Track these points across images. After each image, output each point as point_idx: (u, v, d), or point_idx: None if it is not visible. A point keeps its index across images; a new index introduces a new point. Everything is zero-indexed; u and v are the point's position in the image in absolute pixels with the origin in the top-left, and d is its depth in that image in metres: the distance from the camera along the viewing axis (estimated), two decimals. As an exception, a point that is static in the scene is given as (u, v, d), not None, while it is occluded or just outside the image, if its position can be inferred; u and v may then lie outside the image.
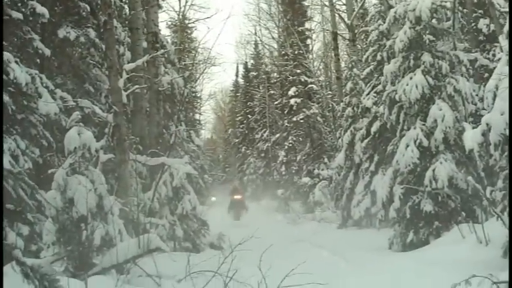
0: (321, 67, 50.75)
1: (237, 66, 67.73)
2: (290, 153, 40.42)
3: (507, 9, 17.48)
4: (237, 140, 61.11)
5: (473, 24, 20.83)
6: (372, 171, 22.32)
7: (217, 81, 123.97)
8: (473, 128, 10.38)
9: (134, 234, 12.45)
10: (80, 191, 9.66)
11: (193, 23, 45.63)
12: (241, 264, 9.06)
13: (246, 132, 57.89)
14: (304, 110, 37.61)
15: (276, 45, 53.59)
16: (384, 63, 19.86)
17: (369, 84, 24.16)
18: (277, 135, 46.11)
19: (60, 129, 14.69)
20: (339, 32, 35.83)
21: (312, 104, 38.74)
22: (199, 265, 10.05)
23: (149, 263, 10.28)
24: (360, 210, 22.41)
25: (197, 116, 56.12)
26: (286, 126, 41.02)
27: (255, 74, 59.02)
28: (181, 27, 44.28)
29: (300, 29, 42.38)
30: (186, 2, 43.39)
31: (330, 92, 43.66)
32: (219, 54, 70.70)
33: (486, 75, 18.42)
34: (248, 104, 58.38)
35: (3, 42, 12.15)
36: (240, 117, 60.89)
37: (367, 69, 24.69)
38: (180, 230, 15.87)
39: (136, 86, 17.13)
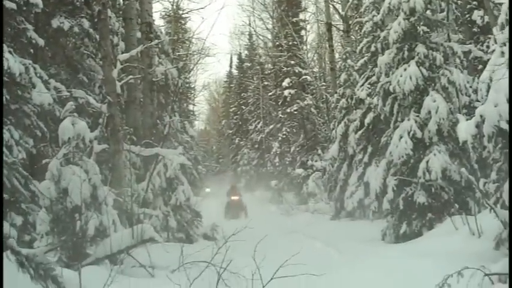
0: (315, 58, 50.68)
1: (231, 57, 67.61)
2: (284, 145, 40.44)
3: (501, 1, 17.47)
4: (230, 131, 61.06)
5: (467, 15, 20.85)
6: (366, 162, 22.37)
7: (211, 72, 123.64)
8: (467, 119, 10.35)
9: (128, 225, 12.46)
10: (74, 181, 9.67)
11: (187, 13, 45.45)
12: (234, 255, 9.05)
13: (240, 123, 57.87)
14: (298, 101, 37.58)
15: (270, 36, 53.44)
16: (378, 55, 19.87)
17: (363, 76, 24.15)
18: (271, 126, 46.09)
19: (54, 119, 14.67)
20: (333, 23, 35.76)
21: (306, 95, 38.70)
22: (192, 256, 10.06)
23: (142, 254, 10.30)
24: (353, 201, 22.47)
25: (191, 107, 56.02)
26: (280, 117, 40.97)
27: (249, 65, 58.93)
28: (175, 18, 44.14)
29: (294, 19, 42.20)
30: (180, -9, 43.31)
31: (323, 83, 43.67)
32: (213, 44, 70.63)
33: (480, 66, 18.46)
34: (242, 95, 58.33)
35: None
36: (233, 108, 60.83)
37: (361, 61, 24.65)
38: (173, 221, 15.90)
39: (131, 77, 17.08)
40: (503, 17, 10.08)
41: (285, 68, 40.28)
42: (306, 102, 37.38)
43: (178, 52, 41.15)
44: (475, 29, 20.89)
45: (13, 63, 11.96)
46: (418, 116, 14.61)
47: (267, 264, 8.38)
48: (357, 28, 35.00)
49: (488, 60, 15.48)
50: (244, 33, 60.04)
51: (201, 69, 64.75)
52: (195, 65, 50.39)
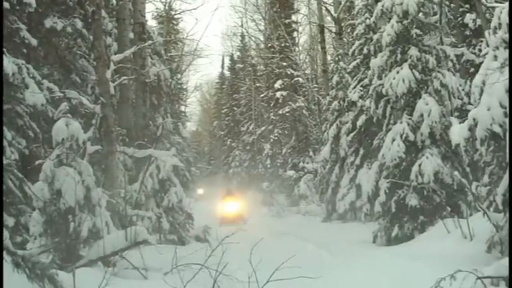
0: (306, 60, 50.72)
1: (223, 58, 67.61)
2: (275, 146, 40.50)
3: (494, 4, 17.55)
4: (222, 133, 61.02)
5: (459, 18, 20.94)
6: (357, 164, 22.42)
7: (203, 73, 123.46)
8: (460, 123, 10.38)
9: (120, 227, 12.43)
10: (67, 182, 9.65)
11: (179, 14, 45.39)
12: (228, 258, 9.05)
13: (232, 124, 57.84)
14: (290, 103, 37.66)
15: (262, 38, 53.46)
16: (370, 57, 19.92)
17: (355, 78, 24.20)
18: (263, 128, 46.09)
19: (46, 120, 14.62)
20: (325, 25, 35.80)
21: (298, 97, 38.78)
22: (186, 258, 10.05)
23: (135, 256, 10.28)
24: (344, 203, 22.52)
25: (183, 108, 55.96)
26: (272, 119, 41.03)
27: (241, 66, 58.92)
28: (167, 18, 44.08)
29: (286, 21, 42.28)
30: (173, -8, 43.28)
31: (315, 85, 43.68)
32: (206, 45, 70.50)
33: (472, 69, 18.55)
34: (234, 96, 58.32)
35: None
36: (225, 110, 60.80)
37: (354, 63, 24.70)
38: (166, 223, 15.86)
39: (124, 77, 17.05)
40: (496, 21, 10.07)
41: (277, 70, 40.37)
42: (297, 104, 37.45)
43: (170, 53, 41.10)
44: (467, 32, 20.99)
45: (6, 63, 11.91)
46: (410, 119, 14.63)
47: (260, 267, 8.38)
48: (349, 30, 35.07)
49: (481, 63, 15.56)
50: (236, 34, 60.03)
51: (193, 70, 64.65)
52: (188, 66, 50.39)
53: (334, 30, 35.56)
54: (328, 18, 37.81)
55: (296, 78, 39.63)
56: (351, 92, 23.73)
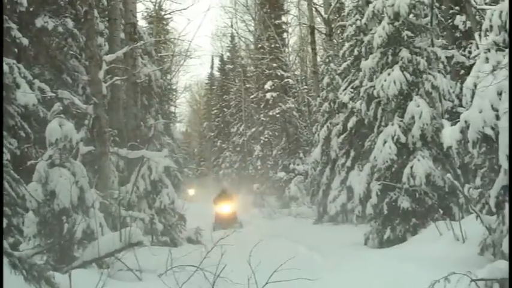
0: (296, 61, 50.77)
1: (212, 59, 67.54)
2: (266, 148, 40.48)
3: (484, 7, 17.65)
4: (212, 134, 60.87)
5: (449, 20, 21.03)
6: (348, 166, 22.48)
7: (193, 73, 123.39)
8: (452, 125, 10.43)
9: (113, 228, 12.41)
10: (61, 183, 9.62)
11: (169, 14, 45.37)
12: (222, 260, 9.04)
13: (222, 125, 57.73)
14: (280, 104, 37.65)
15: (252, 38, 53.48)
16: (361, 59, 19.99)
17: (345, 80, 24.24)
18: (253, 129, 46.05)
19: (38, 120, 14.57)
20: (315, 26, 35.83)
21: (288, 98, 38.78)
22: (180, 260, 10.03)
23: (129, 257, 10.25)
24: (336, 205, 22.55)
25: (172, 109, 55.87)
26: (262, 120, 41.00)
27: (231, 67, 58.87)
28: (157, 19, 44.03)
29: (276, 22, 42.29)
30: (163, -8, 43.24)
31: (305, 87, 43.75)
32: (198, 46, 70.46)
33: (462, 72, 18.64)
34: (224, 97, 58.24)
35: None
36: (215, 111, 60.67)
37: (344, 64, 24.71)
38: (159, 224, 15.83)
39: (116, 78, 17.02)
40: (487, 23, 10.12)
41: (267, 71, 40.33)
42: (288, 106, 37.47)
43: (160, 53, 41.03)
44: (457, 34, 21.09)
45: (-1, 63, 11.86)
46: (402, 121, 14.65)
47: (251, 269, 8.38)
48: (338, 32, 35.12)
49: (471, 65, 15.68)
50: (226, 35, 60.01)
51: (183, 71, 64.67)
52: (180, 66, 50.31)
53: (324, 31, 35.62)
54: (318, 19, 37.89)
55: (286, 80, 39.65)
56: (341, 94, 23.76)
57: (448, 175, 12.16)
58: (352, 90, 23.17)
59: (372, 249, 14.41)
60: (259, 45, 45.44)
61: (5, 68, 12.54)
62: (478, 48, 13.52)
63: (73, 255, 9.68)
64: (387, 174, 14.76)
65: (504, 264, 7.68)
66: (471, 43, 19.30)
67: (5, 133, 12.94)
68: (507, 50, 9.01)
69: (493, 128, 8.74)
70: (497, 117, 8.60)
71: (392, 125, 14.72)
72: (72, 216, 9.63)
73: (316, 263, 13.06)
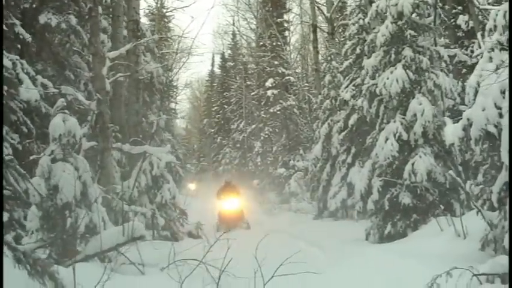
0: (298, 59, 50.78)
1: (213, 56, 67.52)
2: (266, 144, 40.47)
3: (486, 6, 17.70)
4: (212, 130, 60.84)
5: (452, 20, 21.06)
6: (349, 163, 22.56)
7: (194, 70, 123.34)
8: (454, 122, 10.48)
9: (115, 223, 12.45)
10: (64, 178, 9.66)
11: (171, 11, 45.35)
12: (223, 254, 9.07)
13: (222, 122, 57.71)
14: (280, 101, 37.68)
15: (253, 36, 53.46)
16: (363, 57, 20.04)
17: (347, 78, 24.29)
18: (253, 126, 46.04)
19: (39, 115, 14.61)
20: (317, 24, 35.85)
21: (289, 95, 38.81)
22: (182, 254, 10.06)
23: (131, 251, 10.29)
24: (336, 201, 22.62)
25: (173, 105, 55.86)
26: (263, 117, 41.02)
27: (232, 64, 58.84)
28: (159, 16, 44.03)
29: (278, 20, 42.30)
30: (165, -11, 43.23)
31: (306, 84, 43.77)
32: (202, 44, 70.39)
33: (464, 70, 18.68)
34: (224, 94, 58.21)
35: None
36: (216, 107, 60.66)
37: (346, 63, 24.76)
38: (160, 219, 15.86)
39: (119, 74, 17.05)
40: (491, 23, 10.17)
41: (268, 68, 40.35)
42: (288, 103, 37.51)
43: (162, 50, 41.03)
44: (459, 34, 21.13)
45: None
46: (403, 119, 14.69)
47: (253, 264, 8.41)
48: (340, 30, 35.16)
49: (473, 64, 15.73)
50: (227, 32, 60.01)
51: (184, 68, 64.65)
52: (183, 64, 50.33)
53: (326, 29, 35.62)
54: (320, 17, 37.89)
55: (287, 77, 39.67)
56: (343, 91, 23.82)
57: (450, 172, 12.20)
58: (353, 88, 23.23)
59: (373, 244, 14.44)
60: (261, 43, 45.45)
61: (8, 63, 12.56)
62: (480, 47, 13.56)
63: (76, 249, 9.72)
64: (388, 170, 14.80)
65: (505, 259, 7.75)
66: (473, 42, 19.35)
67: (7, 128, 12.98)
68: (511, 50, 9.06)
69: (495, 126, 8.80)
70: (500, 115, 8.66)
71: (395, 122, 14.76)
72: (75, 210, 9.67)
73: (318, 258, 13.09)
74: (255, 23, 51.89)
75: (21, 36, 14.65)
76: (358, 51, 23.72)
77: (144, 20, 40.36)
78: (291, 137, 36.35)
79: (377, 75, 15.96)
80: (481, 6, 17.96)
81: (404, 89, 14.74)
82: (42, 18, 16.29)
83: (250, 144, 46.43)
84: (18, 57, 14.01)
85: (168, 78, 30.49)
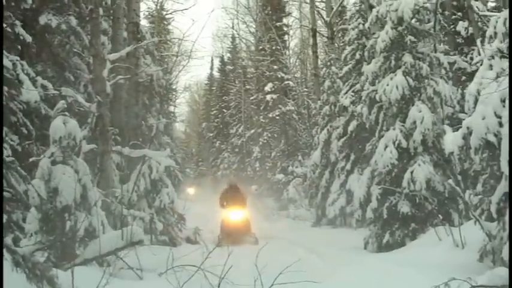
0: (297, 64, 50.76)
1: (212, 60, 67.47)
2: (265, 149, 40.40)
3: (486, 13, 17.72)
4: (211, 134, 60.81)
5: (452, 26, 21.06)
6: (348, 170, 22.52)
7: (193, 74, 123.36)
8: (453, 131, 10.45)
9: (113, 226, 12.43)
10: (64, 180, 9.64)
11: (170, 14, 45.34)
12: (222, 261, 9.05)
13: (221, 126, 57.66)
14: (280, 106, 37.65)
15: (253, 40, 53.44)
16: (362, 63, 20.02)
17: (347, 83, 24.26)
18: (252, 130, 45.98)
19: (39, 117, 14.59)
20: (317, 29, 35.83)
21: (288, 100, 38.77)
22: (180, 259, 10.04)
23: (130, 256, 10.26)
24: (334, 209, 22.58)
25: (171, 109, 55.75)
26: (262, 122, 40.98)
27: (231, 68, 58.84)
28: (159, 18, 44.00)
29: (277, 24, 42.29)
30: (165, -8, 43.20)
31: (305, 89, 43.76)
32: (202, 47, 70.32)
33: (463, 78, 18.67)
34: (223, 98, 58.17)
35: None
36: (214, 111, 60.61)
37: (345, 68, 24.73)
38: (159, 223, 15.82)
39: (120, 77, 17.01)
40: (491, 30, 10.17)
41: (268, 73, 40.33)
42: (287, 108, 37.46)
43: (161, 53, 40.99)
44: (459, 40, 21.11)
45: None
46: (403, 126, 14.68)
47: (252, 272, 8.39)
48: (339, 35, 35.15)
49: (473, 71, 15.71)
50: (227, 35, 59.98)
51: (183, 71, 64.57)
52: (184, 67, 50.26)
53: (325, 34, 35.60)
54: (320, 22, 37.87)
55: (286, 82, 39.63)
56: (342, 97, 23.79)
57: (450, 181, 12.17)
58: (353, 94, 23.21)
59: (371, 253, 14.42)
60: (260, 47, 45.41)
61: (9, 64, 12.54)
62: (479, 54, 13.57)
63: (75, 252, 9.69)
64: (387, 178, 14.77)
65: (504, 271, 7.72)
66: (473, 49, 19.33)
67: (7, 129, 12.94)
68: (511, 57, 9.04)
69: (495, 135, 8.76)
70: (500, 124, 8.63)
71: (394, 129, 14.74)
72: (74, 213, 9.64)
73: (316, 266, 13.04)
74: (254, 26, 51.89)
75: (21, 37, 14.63)
76: (357, 56, 23.72)
77: (143, 22, 40.42)
78: (290, 143, 36.31)
79: (377, 81, 15.93)
80: (480, 13, 17.99)
81: (404, 95, 14.72)
82: (43, 19, 16.27)
83: (249, 149, 46.36)
84: (18, 58, 13.98)
85: (167, 82, 30.42)
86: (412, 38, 15.29)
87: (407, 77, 14.81)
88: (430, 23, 15.93)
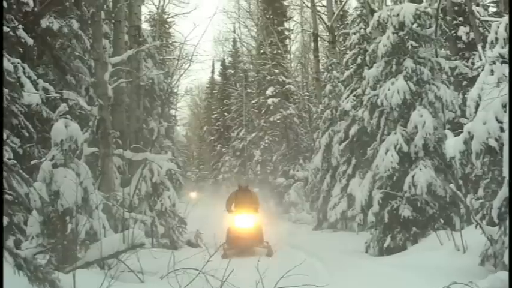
0: (298, 68, 50.76)
1: (213, 63, 67.49)
2: (266, 153, 40.31)
3: (487, 18, 17.72)
4: (212, 138, 60.85)
5: (453, 31, 21.06)
6: (349, 174, 22.52)
7: (194, 77, 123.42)
8: (455, 135, 10.47)
9: (115, 229, 12.43)
10: (65, 183, 9.64)
11: (172, 17, 45.33)
12: (223, 264, 9.05)
13: (222, 130, 57.73)
14: (281, 110, 37.58)
15: (254, 44, 53.44)
16: (363, 67, 20.04)
17: (348, 88, 24.26)
18: (253, 134, 45.86)
19: (40, 120, 14.59)
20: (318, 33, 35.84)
21: (289, 104, 38.74)
22: (181, 263, 10.04)
23: (131, 259, 10.26)
24: (336, 212, 22.57)
25: (173, 112, 55.73)
26: (263, 125, 40.92)
27: (232, 71, 58.88)
28: (161, 22, 44.01)
29: (279, 28, 42.31)
30: (167, -5, 43.12)
31: (306, 93, 43.72)
32: (204, 51, 70.33)
33: (465, 83, 18.68)
34: (225, 101, 58.25)
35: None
36: (216, 115, 60.69)
37: (347, 72, 24.72)
38: (161, 227, 15.82)
39: (121, 80, 17.04)
40: (493, 35, 10.17)
41: (269, 77, 40.26)
42: (289, 112, 37.41)
43: (162, 56, 40.98)
44: (460, 45, 21.11)
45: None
46: (404, 130, 14.69)
47: (253, 275, 8.38)
48: (341, 39, 35.16)
49: (474, 76, 15.71)
50: (228, 39, 60.02)
51: (185, 74, 64.59)
52: (185, 70, 50.25)
53: (327, 39, 35.62)
54: (321, 26, 37.89)
55: (287, 86, 39.57)
56: (343, 102, 23.80)
57: (451, 185, 12.17)
58: (354, 98, 23.22)
59: (373, 257, 14.42)
60: (262, 51, 45.39)
61: (10, 67, 12.54)
62: (481, 59, 13.57)
63: (76, 255, 9.68)
64: (389, 182, 14.77)
65: (505, 275, 7.73)
66: (474, 54, 19.34)
67: (8, 132, 12.95)
68: (512, 63, 9.05)
69: (496, 140, 8.78)
70: (502, 129, 8.65)
71: (395, 134, 14.74)
72: (75, 216, 9.64)
73: (317, 270, 13.03)
74: (255, 30, 51.86)
75: (22, 40, 14.61)
76: (359, 61, 23.74)
77: (145, 26, 40.44)
78: (291, 146, 36.25)
79: (378, 86, 15.93)
80: (481, 18, 18.01)
81: (405, 100, 14.73)
82: (44, 22, 16.25)
83: (250, 152, 46.29)
84: (19, 60, 13.99)
85: (169, 85, 30.44)
86: (414, 43, 15.31)
87: (408, 81, 14.81)
88: (432, 28, 15.91)
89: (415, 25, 15.36)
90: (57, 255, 9.51)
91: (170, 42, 42.43)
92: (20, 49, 15.29)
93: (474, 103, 9.94)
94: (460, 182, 14.29)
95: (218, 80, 65.22)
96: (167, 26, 47.01)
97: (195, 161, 73.15)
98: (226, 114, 56.64)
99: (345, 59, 25.52)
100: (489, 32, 10.51)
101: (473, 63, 19.18)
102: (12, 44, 14.68)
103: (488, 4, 22.22)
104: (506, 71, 9.16)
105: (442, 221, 13.66)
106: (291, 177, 33.94)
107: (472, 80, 14.27)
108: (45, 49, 17.12)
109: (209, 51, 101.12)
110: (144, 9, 44.01)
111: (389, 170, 14.47)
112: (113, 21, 20.42)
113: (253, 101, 47.25)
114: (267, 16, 43.00)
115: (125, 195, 14.78)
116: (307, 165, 30.77)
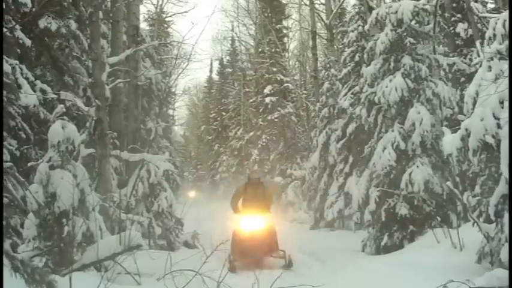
0: (296, 66, 50.75)
1: (211, 62, 67.45)
2: (263, 152, 40.28)
3: (486, 14, 17.70)
4: (210, 137, 60.82)
5: (451, 28, 21.04)
6: (347, 172, 22.52)
7: (192, 76, 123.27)
8: (452, 132, 10.46)
9: (111, 231, 12.41)
10: (62, 185, 9.61)
11: (170, 17, 45.32)
12: (218, 265, 9.06)
13: (220, 129, 57.69)
14: (279, 108, 37.53)
15: (252, 42, 53.44)
16: (362, 65, 20.00)
17: (346, 85, 24.26)
18: (251, 133, 45.84)
19: (38, 121, 14.56)
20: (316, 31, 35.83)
21: (287, 102, 38.70)
22: (178, 264, 10.01)
23: (128, 261, 10.22)
24: (333, 211, 22.57)
25: (170, 112, 55.69)
26: (261, 124, 40.85)
27: (230, 70, 58.86)
28: (159, 21, 43.96)
29: (277, 26, 42.25)
30: (165, -5, 43.12)
31: (304, 92, 43.72)
32: (202, 50, 70.26)
33: (462, 79, 18.65)
34: (223, 100, 58.25)
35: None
36: (213, 114, 60.65)
37: (345, 70, 24.73)
38: (158, 228, 15.78)
39: (119, 80, 16.99)
40: (491, 31, 10.17)
41: (267, 75, 40.21)
42: (286, 110, 37.36)
43: (160, 56, 40.93)
44: (458, 42, 21.08)
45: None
46: (402, 128, 14.69)
47: (249, 275, 8.38)
48: (339, 37, 35.15)
49: (471, 73, 15.70)
50: (226, 38, 59.99)
51: (182, 74, 64.57)
52: (183, 70, 50.23)
53: (325, 36, 35.61)
54: (319, 24, 37.87)
55: (285, 84, 39.53)
56: (341, 100, 23.79)
57: (448, 183, 12.16)
58: (352, 96, 23.20)
59: (369, 255, 14.41)
60: (260, 50, 45.34)
61: (8, 68, 12.51)
62: (479, 56, 13.55)
63: (72, 258, 9.66)
64: (386, 180, 14.78)
65: (502, 272, 7.73)
66: (472, 51, 19.30)
67: (5, 134, 12.92)
68: (510, 59, 9.04)
69: (494, 137, 8.78)
70: (499, 126, 8.65)
71: (393, 131, 14.74)
72: (72, 218, 9.61)
73: (314, 269, 13.02)
74: (254, 29, 51.89)
75: (20, 41, 14.58)
76: (357, 58, 23.71)
77: (143, 26, 40.41)
78: (289, 145, 36.20)
79: (376, 83, 15.92)
80: (480, 14, 17.94)
81: (403, 97, 14.73)
82: (42, 23, 16.24)
83: (248, 152, 46.28)
84: (17, 61, 13.97)
85: (167, 85, 30.40)
86: (412, 40, 15.32)
87: (406, 78, 14.81)
88: (430, 25, 15.91)
89: (413, 22, 15.37)
90: (54, 258, 9.48)
91: (168, 41, 42.33)
92: (18, 50, 15.28)
93: (472, 99, 9.95)
94: (457, 179, 14.28)
95: (216, 79, 65.18)
96: (166, 25, 46.97)
97: (192, 161, 72.99)
98: (224, 113, 56.62)
99: (343, 57, 25.51)
100: (487, 28, 10.51)
101: (471, 60, 19.13)
102: (10, 45, 14.66)
103: (486, 0, 22.15)
104: (504, 67, 9.17)
105: (439, 218, 13.66)
106: (289, 176, 33.88)
107: (470, 77, 14.23)
108: (43, 50, 17.11)
109: (207, 50, 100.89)
110: (143, 9, 43.98)
111: (386, 167, 14.46)
112: (111, 21, 20.37)
113: (251, 100, 47.15)
114: (265, 14, 42.91)
115: (122, 196, 14.73)
116: (305, 164, 30.75)
